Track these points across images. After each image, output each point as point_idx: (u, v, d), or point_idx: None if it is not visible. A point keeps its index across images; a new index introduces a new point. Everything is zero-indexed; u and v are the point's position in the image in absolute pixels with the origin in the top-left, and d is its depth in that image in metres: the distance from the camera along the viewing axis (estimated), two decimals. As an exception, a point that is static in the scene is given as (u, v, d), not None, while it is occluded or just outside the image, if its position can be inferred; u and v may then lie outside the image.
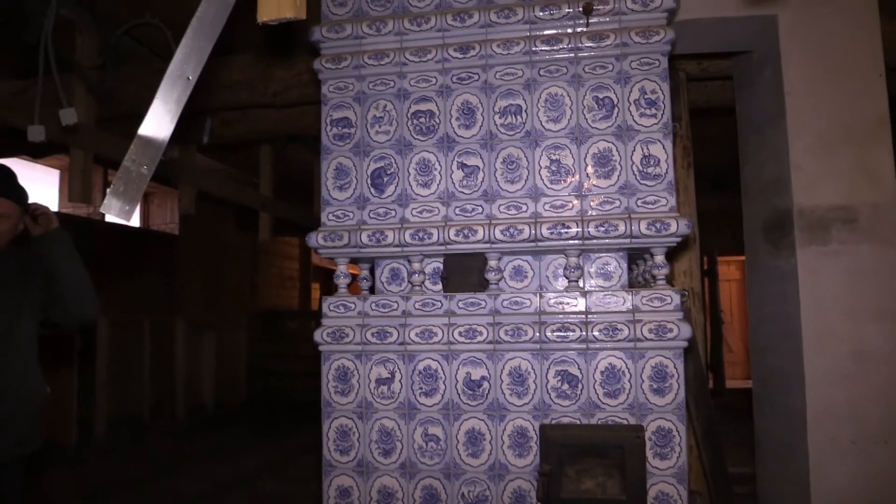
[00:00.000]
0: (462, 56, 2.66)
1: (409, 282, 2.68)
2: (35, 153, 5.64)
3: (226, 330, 9.76)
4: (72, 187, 4.12)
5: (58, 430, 6.35)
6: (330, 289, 14.49)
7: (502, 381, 2.51)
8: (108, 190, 1.63)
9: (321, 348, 2.67)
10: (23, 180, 2.63)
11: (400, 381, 2.58)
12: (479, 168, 2.62)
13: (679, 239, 2.45)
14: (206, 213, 6.93)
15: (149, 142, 1.69)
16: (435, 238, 2.54)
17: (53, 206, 7.29)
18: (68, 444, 6.61)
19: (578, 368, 2.47)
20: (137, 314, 7.92)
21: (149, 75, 4.32)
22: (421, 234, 2.56)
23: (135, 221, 8.68)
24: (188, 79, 1.76)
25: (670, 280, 3.24)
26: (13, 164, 6.33)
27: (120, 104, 4.35)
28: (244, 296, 10.48)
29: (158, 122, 1.71)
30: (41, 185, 7.60)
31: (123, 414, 7.67)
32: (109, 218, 7.79)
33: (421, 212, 2.62)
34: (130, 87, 4.30)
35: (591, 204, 2.54)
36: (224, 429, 8.46)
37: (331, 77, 2.78)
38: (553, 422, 2.47)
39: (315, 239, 2.66)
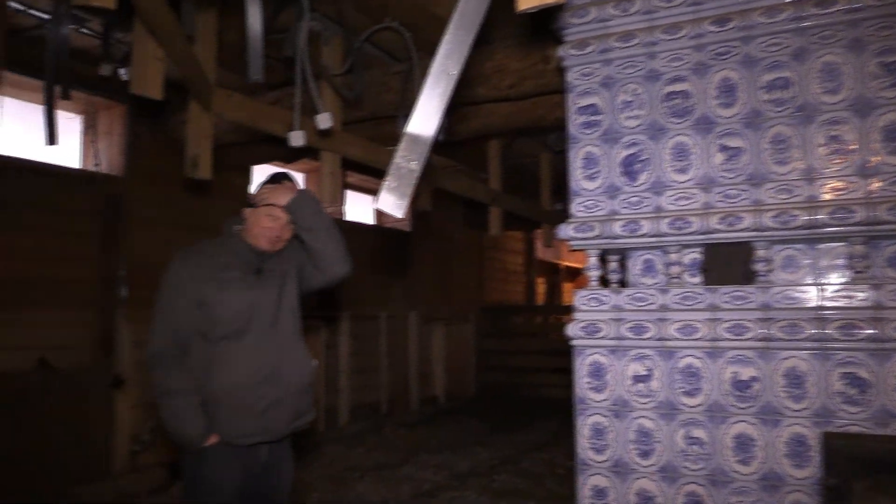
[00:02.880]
0: (719, 29, 2.50)
1: (665, 274, 2.57)
2: (286, 158, 6.19)
3: (454, 324, 10.10)
4: (322, 189, 4.45)
5: (308, 415, 6.92)
6: (553, 283, 14.51)
7: (776, 383, 2.32)
8: (382, 186, 1.72)
9: (574, 343, 2.64)
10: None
11: (659, 378, 2.49)
12: (742, 149, 2.45)
13: None
14: (436, 210, 7.20)
15: (416, 138, 1.76)
16: (695, 227, 2.42)
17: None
18: (317, 430, 7.20)
19: (869, 371, 2.22)
20: (375, 308, 8.45)
21: (388, 77, 4.56)
22: (679, 223, 2.44)
23: (369, 219, 9.25)
24: (451, 74, 1.82)
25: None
26: (267, 169, 7.02)
27: (362, 108, 4.62)
28: (471, 290, 10.79)
29: (425, 119, 1.78)
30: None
31: (363, 403, 8.20)
32: (350, 217, 8.37)
33: (678, 199, 2.50)
34: (372, 91, 4.56)
35: (879, 184, 2.27)
36: (456, 421, 8.75)
37: (576, 63, 2.74)
38: (838, 430, 2.24)
39: (566, 230, 2.64)
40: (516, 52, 4.18)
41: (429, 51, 4.33)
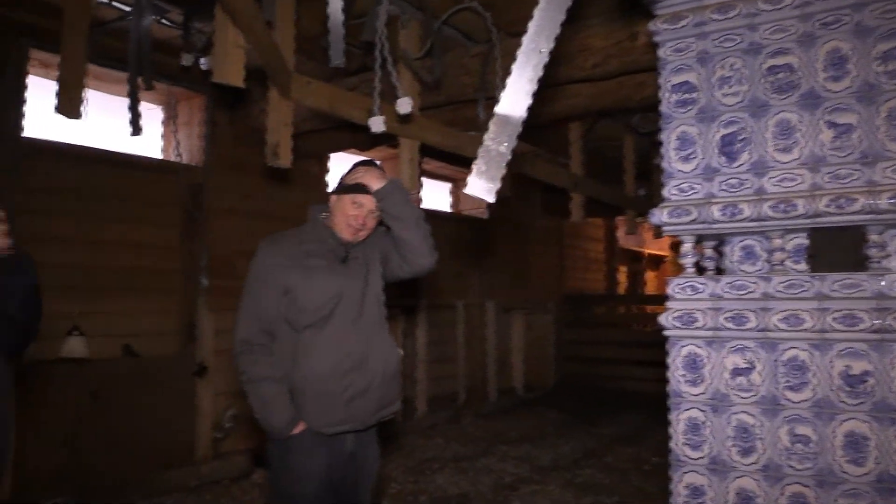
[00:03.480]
0: (828, -4, 2.37)
1: (766, 261, 2.46)
2: (363, 146, 6.24)
3: (533, 313, 10.04)
4: (401, 175, 4.46)
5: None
6: (636, 272, 14.25)
7: (893, 377, 2.20)
8: (471, 170, 1.69)
9: (668, 333, 2.56)
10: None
11: (760, 371, 2.39)
12: (854, 126, 2.32)
13: None
14: (513, 196, 7.14)
15: (506, 119, 1.72)
16: (801, 210, 2.30)
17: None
18: (394, 421, 7.27)
19: None
20: (452, 297, 8.46)
21: (467, 59, 4.52)
22: (783, 206, 2.33)
23: (446, 206, 9.26)
24: (542, 52, 1.77)
25: None
26: (344, 157, 7.09)
27: (441, 92, 4.61)
28: (550, 279, 10.68)
29: (515, 99, 1.74)
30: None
31: (440, 394, 8.24)
32: (426, 204, 8.38)
33: (782, 180, 2.39)
34: (450, 74, 4.53)
35: None
36: (535, 412, 8.70)
37: (669, 38, 2.64)
38: (964, 429, 2.10)
39: (659, 215, 2.56)
40: (601, 29, 4.08)
41: (508, 31, 4.31)
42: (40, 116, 4.84)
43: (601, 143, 7.33)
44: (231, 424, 5.74)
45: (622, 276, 13.50)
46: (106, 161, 5.18)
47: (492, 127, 1.70)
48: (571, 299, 10.98)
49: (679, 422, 2.53)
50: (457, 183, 9.40)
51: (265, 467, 5.53)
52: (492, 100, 4.41)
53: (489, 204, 8.17)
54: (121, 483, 4.85)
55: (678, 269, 2.71)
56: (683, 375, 2.53)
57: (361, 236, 2.70)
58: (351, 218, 2.64)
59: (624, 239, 13.23)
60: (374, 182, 2.63)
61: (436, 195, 9.15)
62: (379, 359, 2.63)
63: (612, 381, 10.14)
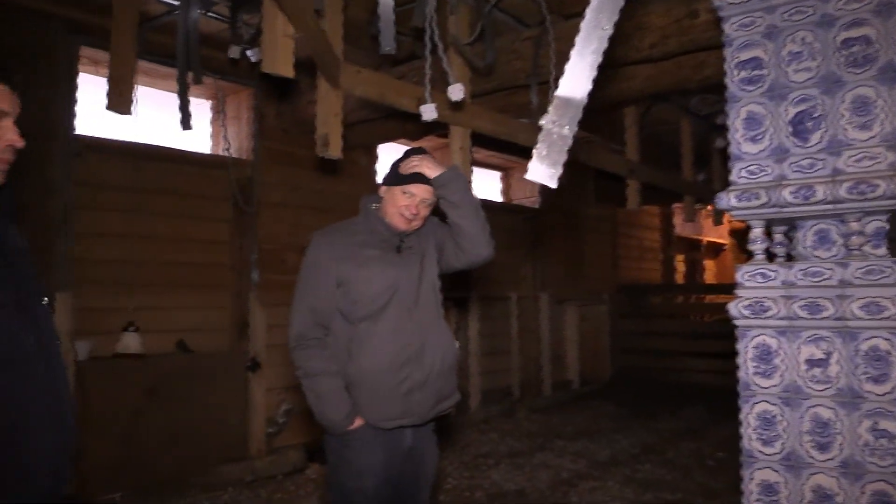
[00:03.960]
0: (908, -38, 2.26)
1: (843, 245, 2.36)
2: (411, 136, 6.22)
3: (588, 305, 9.93)
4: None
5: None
6: (694, 261, 13.98)
7: (984, 368, 2.09)
8: (532, 154, 1.65)
9: (737, 323, 2.48)
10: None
11: (838, 363, 2.29)
12: (938, 100, 2.20)
13: None
14: (566, 185, 7.06)
15: (568, 101, 1.68)
16: (880, 191, 2.20)
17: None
18: (447, 415, 7.26)
19: None
20: (505, 289, 8.41)
21: (519, 44, 4.46)
22: (862, 187, 2.23)
23: (496, 196, 9.20)
24: (604, 29, 1.72)
25: None
26: (393, 148, 7.08)
27: (492, 78, 4.55)
28: (604, 269, 10.54)
29: (576, 79, 1.69)
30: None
31: (493, 388, 8.21)
32: (479, 194, 8.32)
33: (859, 160, 2.29)
34: (501, 59, 4.47)
35: None
36: (591, 406, 8.62)
37: (735, 13, 2.55)
38: None
39: (726, 200, 2.47)
40: (658, 7, 3.98)
41: (561, 13, 4.23)
42: (91, 114, 4.94)
43: (656, 127, 7.18)
44: (284, 419, 5.80)
45: (679, 265, 13.26)
46: (156, 157, 5.26)
47: (553, 109, 1.66)
48: (627, 290, 10.84)
49: (750, 416, 2.45)
50: (507, 172, 9.34)
51: (319, 462, 5.61)
52: (545, 84, 4.35)
53: (541, 193, 8.12)
54: (177, 478, 4.95)
55: (739, 258, 2.62)
56: (754, 367, 2.45)
57: (414, 226, 2.67)
58: (403, 208, 2.62)
59: (681, 227, 12.98)
60: (432, 170, 2.60)
61: (486, 185, 9.10)
62: (436, 350, 2.60)
63: (671, 373, 10.00)
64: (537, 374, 8.88)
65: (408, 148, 2.82)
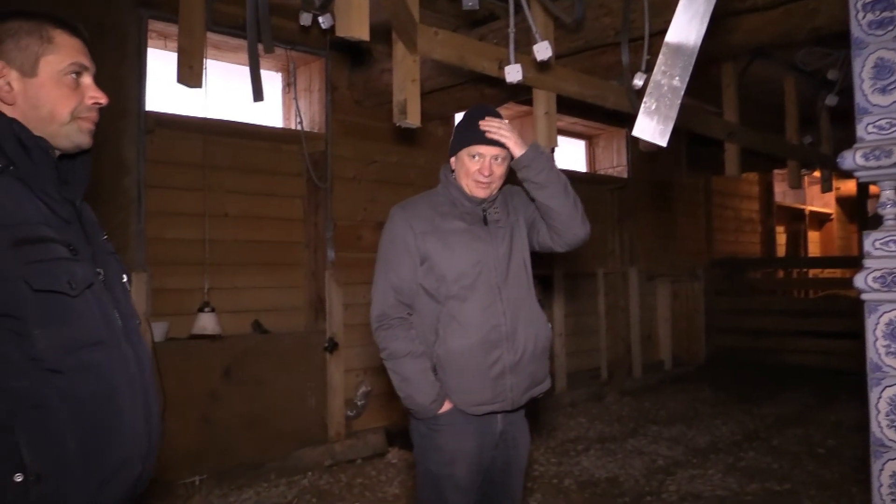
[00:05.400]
0: None
1: None
2: (490, 102, 6.11)
3: (681, 281, 9.69)
4: (538, 131, 4.32)
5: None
6: (797, 232, 13.48)
7: None
8: (639, 109, 1.55)
9: (865, 297, 2.32)
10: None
11: None
12: None
13: None
14: (656, 152, 6.84)
15: (678, 48, 1.57)
16: None
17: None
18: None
19: None
20: (591, 265, 8.27)
21: (609, -3, 4.30)
22: None
23: (581, 166, 9.03)
24: (718, -34, 1.59)
25: None
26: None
27: (579, 35, 4.41)
28: (698, 242, 10.25)
29: (688, 23, 1.58)
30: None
31: (580, 369, 8.10)
32: (562, 164, 8.16)
33: None
34: (588, 16, 4.32)
35: None
36: (685, 389, 8.42)
37: (860, -52, 2.36)
38: None
39: (850, 159, 2.30)
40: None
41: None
42: (160, 89, 5.02)
43: (756, 87, 6.88)
44: (363, 402, 5.84)
45: (780, 237, 12.80)
46: (227, 132, 5.32)
47: (661, 59, 1.55)
48: (723, 264, 10.54)
49: (881, 400, 2.29)
50: (592, 140, 9.14)
51: (400, 446, 5.64)
52: (636, 41, 4.19)
53: (629, 162, 7.90)
54: (255, 462, 5.03)
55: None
56: (886, 346, 2.28)
57: (495, 189, 2.58)
58: (475, 173, 2.53)
59: (782, 195, 12.52)
60: (515, 147, 2.51)
61: (570, 154, 8.93)
62: (529, 331, 2.53)
63: (772, 354, 9.72)
64: (627, 355, 8.72)
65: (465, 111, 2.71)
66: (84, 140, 1.61)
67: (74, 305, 1.47)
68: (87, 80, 1.60)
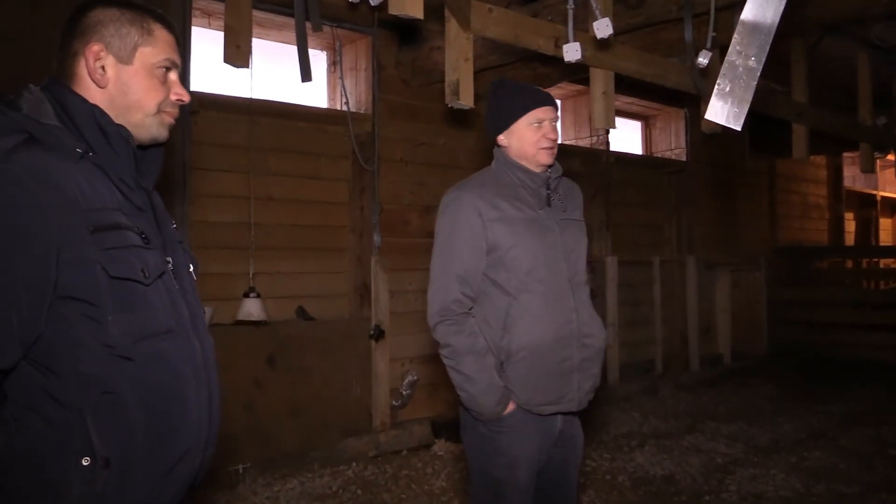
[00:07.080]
0: None
1: None
2: (544, 82, 6.08)
3: (741, 270, 9.57)
4: (595, 112, 4.30)
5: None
6: (867, 219, 13.19)
7: None
8: (705, 90, 1.55)
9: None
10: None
11: None
12: None
13: None
14: (716, 134, 6.77)
15: (755, 27, 1.56)
16: None
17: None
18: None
19: None
20: (646, 252, 8.21)
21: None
22: None
23: (636, 148, 8.95)
24: (798, -61, 1.57)
25: None
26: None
27: (639, 11, 4.38)
28: (760, 229, 10.10)
29: (764, 1, 1.56)
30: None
31: (634, 361, 8.07)
32: (617, 147, 8.10)
33: None
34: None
35: None
36: (746, 384, 8.33)
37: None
38: None
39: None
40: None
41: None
42: (204, 69, 5.09)
43: (825, 64, 6.74)
44: (409, 391, 5.90)
45: (850, 224, 12.56)
46: (272, 112, 5.38)
47: (736, 38, 1.54)
48: (787, 253, 10.39)
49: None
50: (648, 121, 9.06)
51: (446, 438, 5.68)
52: (700, 17, 4.14)
53: (688, 144, 7.83)
54: (299, 451, 5.12)
55: None
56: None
57: (555, 153, 2.54)
58: (540, 139, 2.48)
59: (852, 180, 12.27)
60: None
61: (625, 136, 8.86)
62: (594, 328, 2.52)
63: (839, 349, 9.59)
64: (683, 348, 8.66)
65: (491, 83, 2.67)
66: (163, 133, 1.68)
67: (147, 294, 1.52)
68: (174, 76, 1.68)
